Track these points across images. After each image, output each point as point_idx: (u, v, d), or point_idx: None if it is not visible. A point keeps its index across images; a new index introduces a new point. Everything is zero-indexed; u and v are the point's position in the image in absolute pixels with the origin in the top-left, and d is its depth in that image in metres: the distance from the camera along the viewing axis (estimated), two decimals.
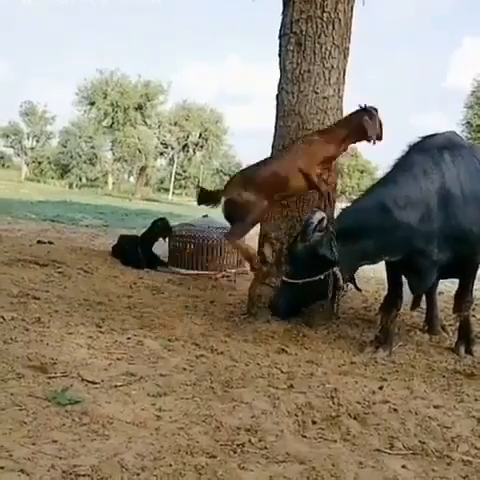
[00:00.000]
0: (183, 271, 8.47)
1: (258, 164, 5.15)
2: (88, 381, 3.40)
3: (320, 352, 4.68)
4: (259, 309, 5.48)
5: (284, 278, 4.68)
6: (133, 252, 8.51)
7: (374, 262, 4.75)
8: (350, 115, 5.06)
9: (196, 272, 8.44)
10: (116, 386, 3.38)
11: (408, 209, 4.35)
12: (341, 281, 4.51)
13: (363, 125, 4.85)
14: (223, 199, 4.99)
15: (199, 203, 5.24)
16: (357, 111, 4.95)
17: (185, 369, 3.85)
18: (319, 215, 4.46)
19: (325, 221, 4.44)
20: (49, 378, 3.39)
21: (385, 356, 4.65)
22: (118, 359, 3.90)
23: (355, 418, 3.24)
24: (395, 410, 3.38)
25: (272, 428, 2.99)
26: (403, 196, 4.37)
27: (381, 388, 3.78)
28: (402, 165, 4.62)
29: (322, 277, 4.47)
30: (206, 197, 5.19)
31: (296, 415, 3.22)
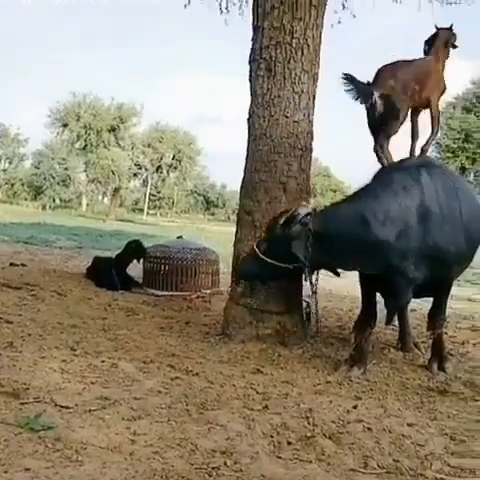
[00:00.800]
0: (158, 292, 8.43)
1: (404, 62, 5.29)
2: (61, 406, 3.35)
3: (295, 372, 4.69)
4: (234, 329, 5.49)
5: (255, 247, 4.72)
6: (107, 274, 8.45)
7: (346, 269, 4.81)
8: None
9: (171, 293, 8.40)
10: (90, 411, 3.33)
11: (387, 224, 4.35)
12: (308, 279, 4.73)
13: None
14: (376, 94, 4.86)
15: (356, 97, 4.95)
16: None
17: (160, 392, 3.81)
18: (306, 210, 4.53)
19: (309, 218, 4.47)
20: (22, 404, 3.33)
21: (359, 374, 4.67)
22: (92, 383, 3.84)
23: (330, 438, 3.24)
24: (369, 429, 3.38)
25: (247, 450, 2.98)
26: (383, 211, 4.37)
27: (355, 407, 3.78)
28: (382, 181, 4.64)
29: (291, 267, 4.58)
30: (358, 90, 4.88)
31: (271, 436, 3.20)
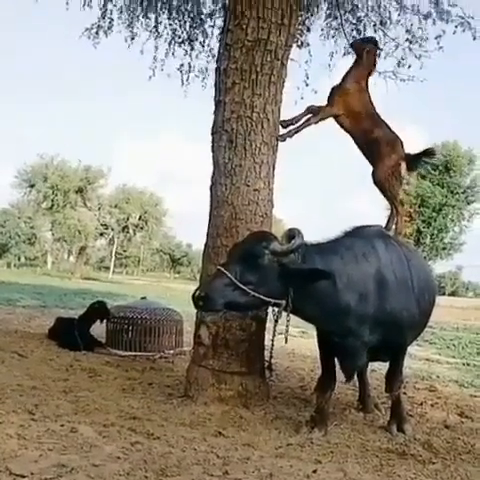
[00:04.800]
0: (121, 353, 8.37)
1: None
2: (16, 475, 3.26)
3: (257, 434, 4.66)
4: (197, 391, 5.48)
5: (229, 275, 4.10)
6: (70, 334, 8.38)
7: (308, 319, 4.71)
8: None
9: (134, 353, 8.34)
10: (46, 479, 3.26)
11: (349, 288, 4.42)
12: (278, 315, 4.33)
13: None
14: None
15: None
16: None
17: (119, 458, 3.74)
18: (302, 240, 4.23)
19: (301, 249, 4.25)
20: None
21: (321, 436, 4.68)
22: (49, 449, 3.76)
23: None
24: None
25: None
26: (346, 274, 4.42)
27: (315, 471, 3.78)
28: (344, 244, 4.66)
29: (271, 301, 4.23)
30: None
31: None
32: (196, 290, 4.22)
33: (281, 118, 5.81)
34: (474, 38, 6.55)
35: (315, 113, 5.96)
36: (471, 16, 6.48)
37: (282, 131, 5.84)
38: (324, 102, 6.05)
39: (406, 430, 4.96)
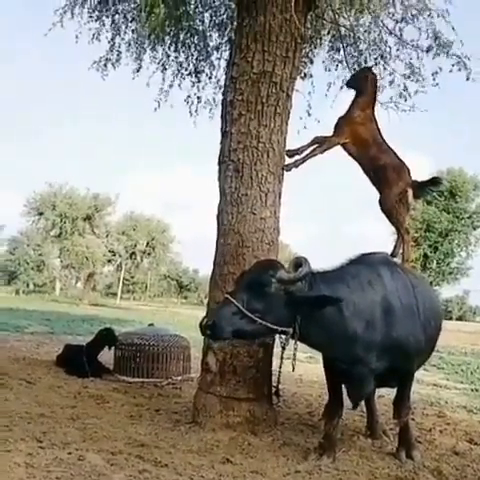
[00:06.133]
0: (129, 379, 8.38)
1: None
2: None
3: (265, 461, 4.64)
4: (204, 418, 5.48)
5: (237, 303, 4.11)
6: (78, 361, 8.41)
7: (314, 346, 4.72)
8: None
9: (142, 380, 8.36)
10: None
11: (356, 315, 4.42)
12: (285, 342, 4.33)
13: None
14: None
15: None
16: None
17: None
18: (308, 268, 4.24)
19: (307, 277, 4.27)
20: None
21: (329, 463, 4.66)
22: (57, 478, 3.77)
23: None
24: None
25: None
26: (353, 301, 4.42)
27: None
28: (350, 272, 4.67)
29: (279, 329, 4.24)
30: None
31: None
32: (204, 318, 4.26)
33: (286, 148, 5.93)
34: (467, 79, 6.63)
35: (321, 143, 6.04)
36: (468, 56, 6.56)
37: (288, 161, 5.95)
38: (327, 131, 6.14)
39: (415, 457, 4.93)
